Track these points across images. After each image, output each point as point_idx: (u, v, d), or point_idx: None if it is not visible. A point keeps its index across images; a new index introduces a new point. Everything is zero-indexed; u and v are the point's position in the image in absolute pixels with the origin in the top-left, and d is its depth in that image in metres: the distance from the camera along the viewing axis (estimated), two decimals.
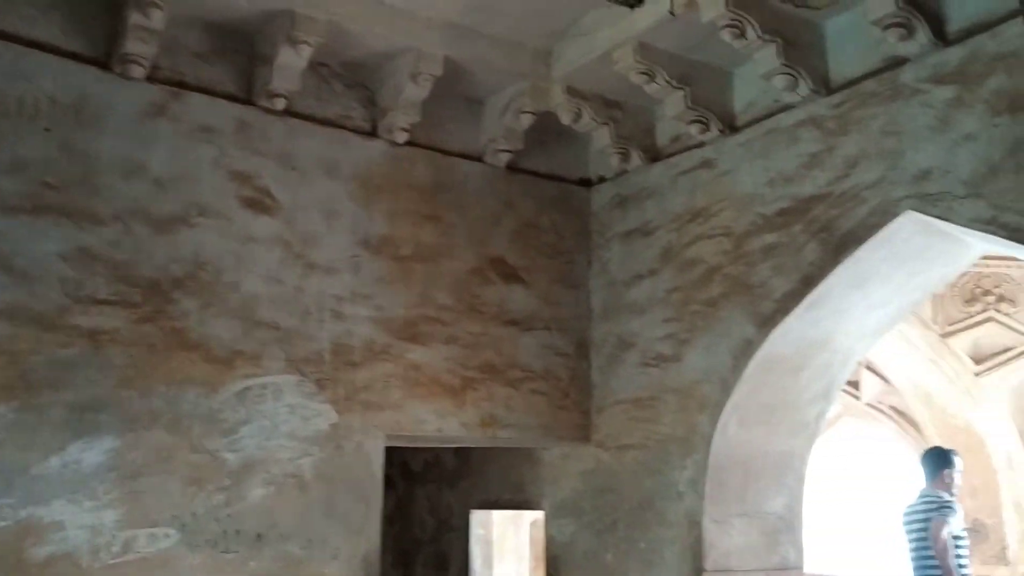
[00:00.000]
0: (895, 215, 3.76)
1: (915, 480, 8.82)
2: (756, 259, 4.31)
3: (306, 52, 4.10)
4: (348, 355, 4.35)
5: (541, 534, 5.50)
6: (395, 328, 4.51)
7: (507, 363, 4.86)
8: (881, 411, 8.63)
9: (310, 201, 4.37)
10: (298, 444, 4.17)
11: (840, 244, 3.95)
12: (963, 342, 7.52)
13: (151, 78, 4.03)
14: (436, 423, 4.59)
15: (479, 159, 4.93)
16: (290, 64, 4.13)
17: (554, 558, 5.20)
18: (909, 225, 3.79)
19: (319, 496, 4.19)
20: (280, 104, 4.26)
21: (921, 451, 5.75)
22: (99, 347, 3.76)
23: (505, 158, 4.93)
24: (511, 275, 4.95)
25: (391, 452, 4.54)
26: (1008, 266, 7.25)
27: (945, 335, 7.50)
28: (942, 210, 3.60)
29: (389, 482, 4.59)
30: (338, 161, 4.49)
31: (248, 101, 4.27)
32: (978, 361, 7.54)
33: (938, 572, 4.99)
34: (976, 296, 7.46)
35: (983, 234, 3.51)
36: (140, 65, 3.94)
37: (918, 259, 4.05)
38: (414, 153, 4.71)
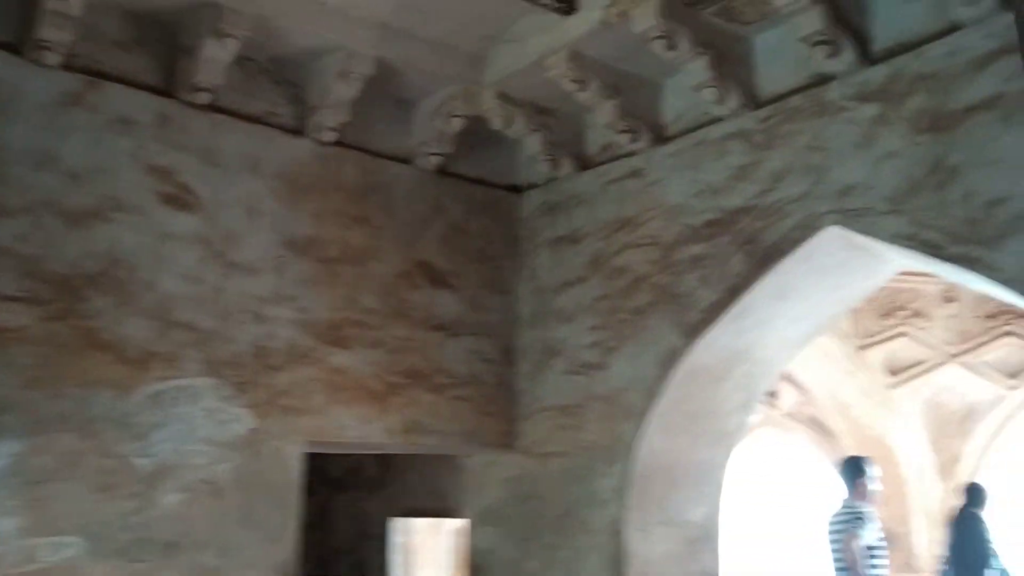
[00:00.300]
0: (819, 229, 3.83)
1: (830, 488, 9.04)
2: (683, 269, 4.34)
3: (232, 46, 4.00)
4: (269, 358, 4.24)
5: (463, 542, 5.45)
6: (319, 331, 4.42)
7: (433, 368, 4.80)
8: (799, 421, 8.81)
9: (232, 199, 4.25)
10: (214, 449, 4.04)
11: (765, 256, 4.01)
12: (878, 355, 7.73)
13: (67, 66, 3.87)
14: (359, 429, 4.50)
15: (409, 162, 4.87)
16: (215, 57, 4.02)
17: (476, 567, 5.16)
18: (832, 239, 3.86)
19: (235, 503, 4.06)
20: (203, 98, 4.14)
21: (836, 460, 5.88)
22: (4, 346, 3.58)
23: (435, 161, 4.89)
24: (439, 279, 4.90)
25: (311, 458, 4.44)
26: (923, 282, 7.49)
27: (861, 348, 7.71)
28: (864, 225, 3.68)
29: (308, 489, 4.48)
30: (262, 159, 4.37)
31: (169, 94, 4.13)
32: (892, 373, 7.77)
33: None
34: (891, 311, 7.68)
35: (903, 250, 3.59)
36: (55, 52, 3.78)
37: (839, 273, 4.13)
38: (342, 153, 4.63)
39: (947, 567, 7.17)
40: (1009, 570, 7.15)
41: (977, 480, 7.52)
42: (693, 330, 4.25)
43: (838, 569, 5.25)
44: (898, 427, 7.64)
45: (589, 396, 4.71)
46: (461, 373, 4.91)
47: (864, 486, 5.41)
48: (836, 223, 3.77)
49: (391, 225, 4.75)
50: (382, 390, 4.60)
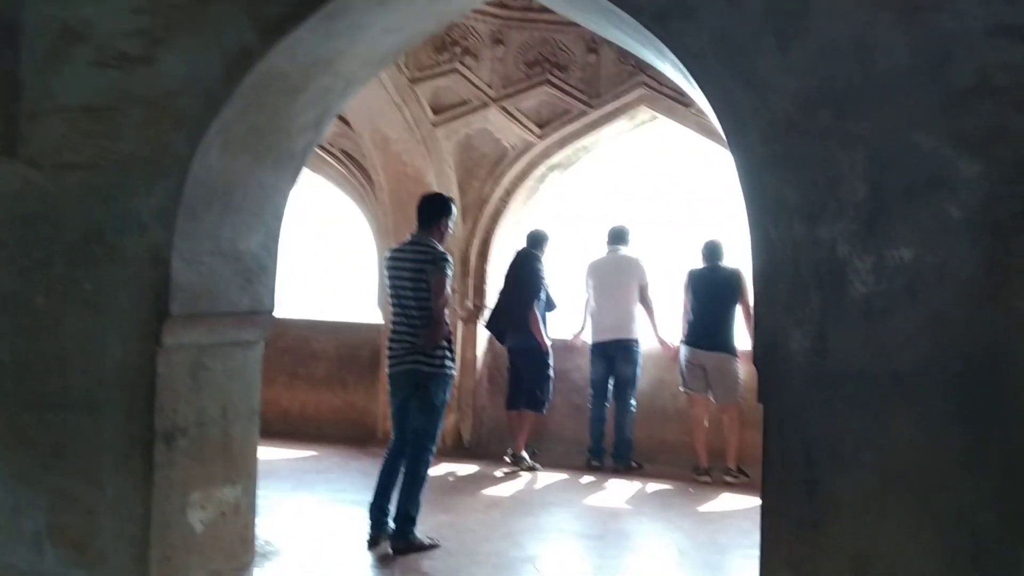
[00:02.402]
0: None
1: (360, 226, 9.09)
2: None
3: None
4: None
5: None
6: None
7: None
8: (333, 153, 8.54)
9: None
10: None
11: None
12: (426, 90, 7.64)
13: None
14: None
15: None
16: None
17: None
18: None
19: None
20: None
21: (425, 194, 5.57)
22: None
23: None
24: None
25: None
26: (476, 20, 7.44)
27: (413, 80, 7.53)
28: None
29: None
30: None
31: None
32: (436, 111, 7.76)
33: (427, 320, 5.06)
34: (446, 45, 7.56)
35: None
36: None
37: None
38: None
39: (502, 299, 7.73)
40: (555, 298, 7.89)
41: (535, 227, 8.06)
42: (275, 27, 3.61)
43: (406, 305, 5.12)
44: (435, 166, 7.76)
45: (127, 97, 3.87)
46: None
47: (445, 226, 5.29)
48: None
49: None
50: None
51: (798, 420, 3.03)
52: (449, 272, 5.07)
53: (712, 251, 7.58)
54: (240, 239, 4.21)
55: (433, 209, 5.23)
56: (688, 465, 7.52)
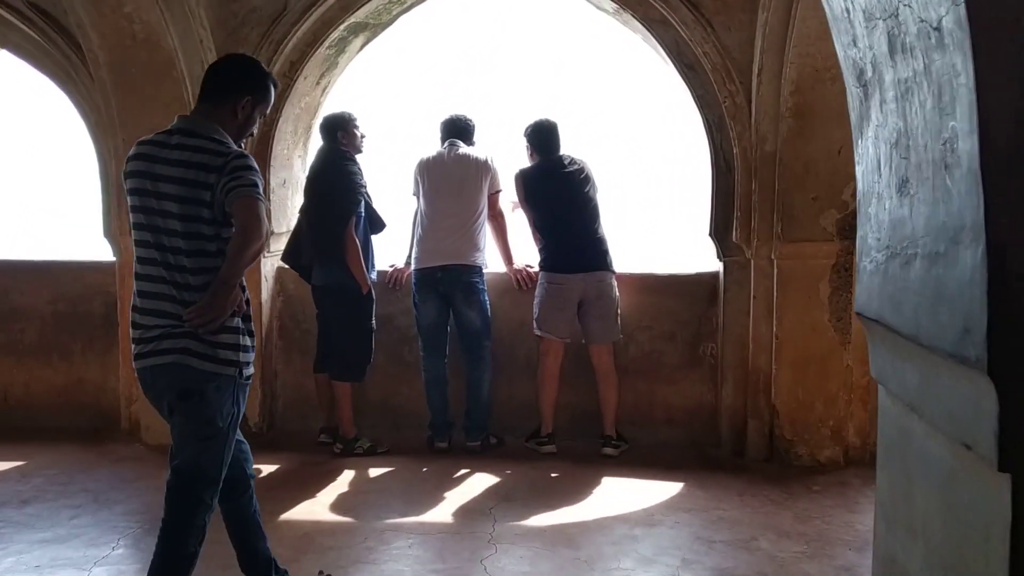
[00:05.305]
0: None
1: (69, 118, 6.70)
2: None
3: None
4: None
5: None
6: None
7: None
8: (17, 10, 6.02)
9: None
10: None
11: None
12: None
13: None
14: None
15: None
16: None
17: None
18: None
19: None
20: None
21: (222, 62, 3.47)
22: None
23: None
24: None
25: None
26: None
27: None
28: None
29: None
30: None
31: None
32: None
33: (208, 277, 3.02)
34: None
35: None
36: None
37: None
38: None
39: (303, 219, 5.93)
40: (380, 215, 6.04)
41: (334, 111, 6.01)
42: None
43: (171, 249, 3.02)
44: (177, 24, 5.46)
45: None
46: None
47: (248, 111, 3.23)
48: None
49: None
50: None
51: None
52: (261, 192, 3.01)
53: (546, 137, 6.00)
54: None
55: (232, 75, 3.22)
56: (571, 433, 6.03)
